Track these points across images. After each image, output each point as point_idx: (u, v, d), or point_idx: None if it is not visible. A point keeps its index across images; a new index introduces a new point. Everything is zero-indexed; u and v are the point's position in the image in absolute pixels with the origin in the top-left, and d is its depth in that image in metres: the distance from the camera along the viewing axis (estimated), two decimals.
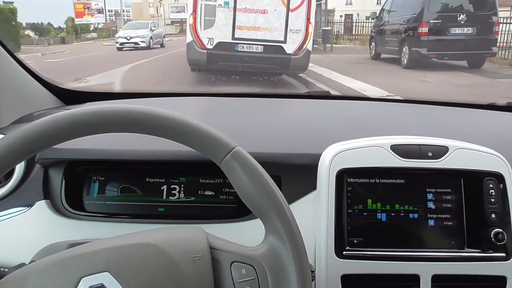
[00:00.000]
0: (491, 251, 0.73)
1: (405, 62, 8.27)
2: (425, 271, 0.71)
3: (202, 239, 0.52)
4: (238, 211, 0.82)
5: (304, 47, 6.58)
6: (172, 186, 0.84)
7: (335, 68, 7.92)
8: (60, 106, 1.17)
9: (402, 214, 0.74)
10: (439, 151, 0.74)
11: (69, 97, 1.18)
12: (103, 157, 0.81)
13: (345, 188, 0.73)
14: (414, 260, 0.71)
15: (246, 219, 0.80)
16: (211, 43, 6.53)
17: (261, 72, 6.81)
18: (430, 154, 0.74)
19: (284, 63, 6.67)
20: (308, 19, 6.55)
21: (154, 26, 13.97)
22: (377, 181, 0.74)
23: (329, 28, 13.25)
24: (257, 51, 6.65)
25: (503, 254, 0.72)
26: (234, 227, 0.79)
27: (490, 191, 0.74)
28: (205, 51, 6.53)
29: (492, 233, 0.72)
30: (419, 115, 1.15)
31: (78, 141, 0.57)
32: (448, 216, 0.75)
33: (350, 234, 0.73)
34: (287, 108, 1.22)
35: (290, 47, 6.57)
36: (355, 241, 0.73)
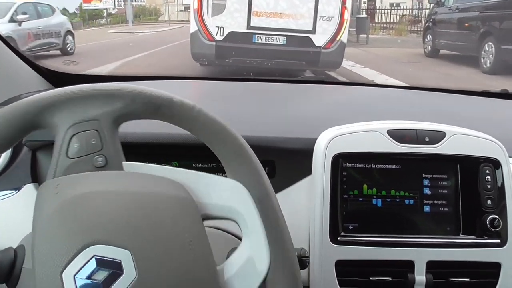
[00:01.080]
0: (486, 238, 0.72)
1: (488, 64, 5.91)
2: (420, 257, 0.70)
3: None
4: None
5: (337, 38, 5.19)
6: None
7: (385, 69, 6.05)
8: (48, 88, 1.14)
9: (397, 200, 0.73)
10: (436, 136, 0.73)
11: (58, 79, 1.15)
12: None
13: (341, 173, 0.72)
14: (409, 246, 0.71)
15: None
16: (221, 33, 5.17)
17: (281, 70, 5.33)
18: (427, 139, 0.73)
19: (312, 59, 5.28)
20: (343, 3, 5.12)
21: (25, 14, 7.20)
22: (373, 166, 0.73)
23: (364, 16, 10.80)
24: (278, 43, 5.26)
25: (498, 241, 0.72)
26: None
27: (487, 177, 0.73)
28: (213, 43, 5.18)
29: (487, 220, 0.71)
30: (416, 100, 1.14)
31: None
32: (444, 202, 0.74)
33: (345, 219, 0.72)
34: (281, 93, 1.20)
35: (319, 39, 5.18)
36: (350, 227, 0.72)
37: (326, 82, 1.41)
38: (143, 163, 0.52)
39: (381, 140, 0.72)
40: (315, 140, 0.76)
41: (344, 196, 0.72)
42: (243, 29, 5.24)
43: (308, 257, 0.61)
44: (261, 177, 0.50)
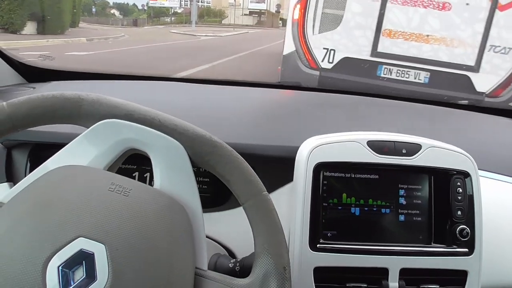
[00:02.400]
0: (455, 247, 0.76)
1: None
2: (394, 264, 0.73)
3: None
4: (212, 200, 0.81)
5: None
6: (144, 174, 0.82)
7: None
8: (22, 83, 1.11)
9: (375, 209, 0.75)
10: (413, 149, 0.76)
11: (33, 74, 1.11)
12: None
13: (322, 181, 0.74)
14: (384, 254, 0.73)
15: (220, 209, 0.79)
16: (330, 59, 3.55)
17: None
18: (404, 151, 0.76)
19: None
20: None
21: None
22: (353, 175, 0.75)
23: None
24: (415, 80, 3.51)
25: (466, 250, 0.76)
26: (208, 217, 0.78)
27: (458, 188, 0.77)
28: (317, 72, 3.60)
29: (457, 229, 0.75)
30: (398, 111, 1.18)
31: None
32: (418, 212, 0.77)
33: (324, 227, 0.73)
34: (262, 98, 1.21)
35: (484, 80, 3.38)
36: (328, 234, 0.74)
37: (303, 88, 1.43)
38: None
39: (361, 150, 0.75)
40: (296, 148, 0.78)
41: (324, 204, 0.74)
42: (365, 55, 3.54)
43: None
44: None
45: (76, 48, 9.14)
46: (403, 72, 3.51)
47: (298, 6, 3.52)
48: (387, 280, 0.73)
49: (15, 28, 10.65)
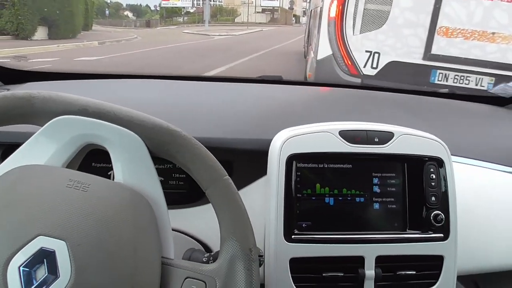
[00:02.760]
0: (430, 232, 0.77)
1: None
2: (370, 252, 0.74)
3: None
4: (188, 196, 0.81)
5: None
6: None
7: None
8: None
9: (349, 198, 0.76)
10: (385, 137, 0.77)
11: (9, 76, 1.10)
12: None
13: (295, 173, 0.74)
14: (359, 242, 0.74)
15: (196, 204, 0.79)
16: (374, 64, 3.00)
17: None
18: (376, 139, 0.76)
19: None
20: None
21: None
22: (326, 166, 0.76)
23: None
24: (478, 87, 2.98)
25: (441, 235, 0.77)
26: (183, 213, 0.78)
27: (431, 175, 0.77)
28: (358, 79, 3.13)
29: (431, 215, 0.76)
30: (370, 101, 1.18)
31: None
32: (392, 199, 0.78)
33: (298, 218, 0.74)
34: (239, 93, 1.21)
35: None
36: (303, 225, 0.74)
37: (284, 82, 1.43)
38: None
39: (333, 140, 0.75)
40: (270, 141, 0.78)
41: (298, 195, 0.74)
42: (416, 58, 2.98)
43: (262, 256, 0.63)
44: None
45: (87, 53, 8.79)
46: (462, 77, 2.93)
47: (335, 2, 2.96)
48: (363, 268, 0.73)
49: (26, 34, 10.45)
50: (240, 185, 0.80)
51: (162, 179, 0.82)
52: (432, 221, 0.76)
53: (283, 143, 0.73)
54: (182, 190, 0.82)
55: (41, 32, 10.28)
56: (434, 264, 0.77)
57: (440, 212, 0.76)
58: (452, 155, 0.80)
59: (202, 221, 0.75)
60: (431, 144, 0.79)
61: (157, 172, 0.81)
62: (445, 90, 1.51)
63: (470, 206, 0.84)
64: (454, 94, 1.36)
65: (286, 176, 0.73)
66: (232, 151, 0.81)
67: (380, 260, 0.74)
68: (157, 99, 1.05)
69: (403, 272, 0.75)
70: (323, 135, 0.75)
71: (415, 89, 1.32)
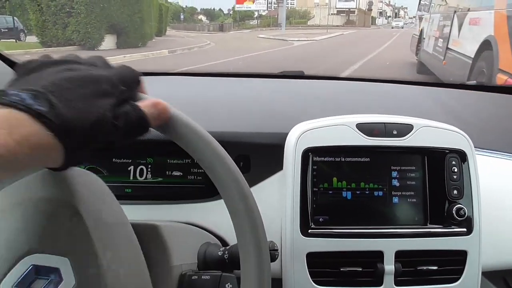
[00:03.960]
0: (452, 227, 0.74)
1: None
2: (389, 247, 0.72)
3: None
4: (206, 191, 0.81)
5: None
6: (139, 167, 0.83)
7: None
8: None
9: (367, 192, 0.75)
10: (404, 129, 0.75)
11: None
12: None
13: (311, 166, 0.73)
14: (378, 237, 0.72)
15: (213, 199, 0.79)
16: None
17: None
18: (395, 132, 0.74)
19: None
20: None
21: None
22: (343, 159, 0.75)
23: None
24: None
25: (464, 229, 0.74)
26: (201, 207, 0.79)
27: (453, 168, 0.75)
28: None
29: (454, 209, 0.73)
30: (389, 93, 1.16)
31: None
32: (412, 193, 0.76)
33: (315, 212, 0.73)
34: (259, 88, 1.21)
35: None
36: (320, 219, 0.73)
37: (305, 77, 1.42)
38: None
39: (350, 133, 0.74)
40: (287, 134, 0.78)
41: (314, 189, 0.73)
42: None
43: (277, 250, 0.62)
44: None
45: (157, 63, 8.56)
46: None
47: None
48: (383, 263, 0.72)
49: (93, 43, 9.81)
50: (257, 179, 0.80)
51: (181, 173, 0.83)
52: (455, 215, 0.73)
53: (299, 137, 0.73)
54: (200, 185, 0.83)
55: (109, 41, 9.65)
56: (457, 259, 0.75)
57: (462, 206, 0.74)
58: (476, 147, 0.78)
59: (218, 215, 0.76)
60: (452, 136, 0.76)
61: (176, 166, 0.83)
62: (473, 82, 1.46)
63: (495, 200, 0.81)
64: (481, 86, 1.32)
65: (302, 170, 0.72)
66: (249, 145, 0.82)
67: (400, 255, 0.73)
68: (175, 94, 1.06)
69: (424, 267, 0.74)
70: (340, 128, 0.74)
71: (439, 81, 1.28)
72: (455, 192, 0.75)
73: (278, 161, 0.78)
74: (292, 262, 0.71)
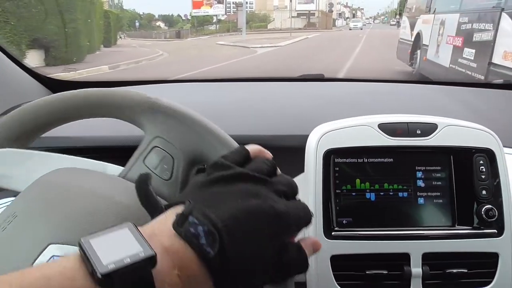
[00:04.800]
0: (482, 228, 0.72)
1: None
2: (415, 249, 0.71)
3: None
4: None
5: None
6: None
7: None
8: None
9: (391, 193, 0.73)
10: (428, 129, 0.73)
11: (59, 87, 1.17)
12: (57, 145, 0.80)
13: (333, 168, 0.72)
14: (404, 238, 0.71)
15: None
16: None
17: None
18: (418, 131, 0.73)
19: None
20: None
21: None
22: (365, 160, 0.73)
23: None
24: None
25: (495, 231, 0.72)
26: None
27: (481, 167, 0.73)
28: None
29: (483, 210, 0.71)
30: (411, 94, 1.14)
31: None
32: (438, 194, 0.74)
33: (338, 214, 0.72)
34: (279, 92, 1.21)
35: None
36: (344, 222, 0.72)
37: (325, 79, 1.41)
38: None
39: (372, 134, 0.73)
40: (307, 136, 0.77)
41: (337, 191, 0.72)
42: None
43: None
44: None
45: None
46: None
47: None
48: (409, 265, 0.70)
49: None
50: None
51: None
52: (484, 216, 0.71)
53: (320, 138, 0.72)
54: None
55: (34, 58, 7.75)
56: (488, 262, 0.72)
57: (492, 207, 0.71)
58: (505, 146, 0.75)
59: None
60: (479, 135, 0.74)
61: None
62: (500, 81, 1.42)
63: None
64: (507, 85, 1.28)
65: (324, 172, 0.71)
66: (270, 148, 0.81)
67: (427, 258, 0.71)
68: (200, 99, 1.07)
69: (453, 270, 0.71)
70: (361, 129, 0.73)
71: (464, 81, 1.26)
72: (484, 192, 0.73)
73: (299, 164, 0.78)
74: (316, 265, 0.70)
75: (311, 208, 0.71)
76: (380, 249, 0.70)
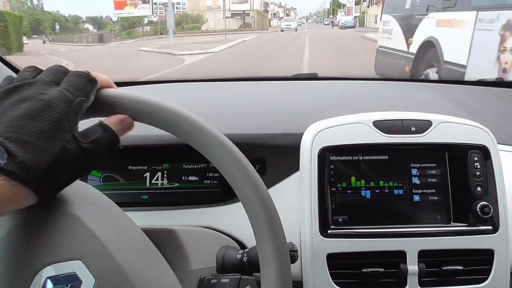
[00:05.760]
0: (477, 225, 0.72)
1: None
2: (411, 246, 0.70)
3: None
4: (222, 195, 0.81)
5: None
6: (155, 173, 0.83)
7: None
8: None
9: (386, 191, 0.73)
10: (422, 126, 0.73)
11: None
12: None
13: (328, 166, 0.72)
14: (400, 236, 0.71)
15: (230, 202, 0.79)
16: None
17: None
18: (413, 128, 0.73)
19: None
20: None
21: None
22: (360, 158, 0.73)
23: None
24: None
25: (490, 227, 0.72)
26: (218, 211, 0.78)
27: (475, 164, 0.73)
28: None
29: (478, 207, 0.71)
30: (404, 92, 1.14)
31: None
32: (433, 191, 0.74)
33: (334, 212, 0.72)
34: (272, 91, 1.20)
35: None
36: (339, 220, 0.72)
37: (319, 78, 1.41)
38: None
39: (367, 131, 0.72)
40: (302, 135, 0.77)
41: (333, 189, 0.72)
42: None
43: (296, 251, 0.61)
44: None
45: None
46: None
47: None
48: (406, 263, 0.70)
49: None
50: (274, 181, 0.79)
51: (197, 178, 0.83)
52: (479, 213, 0.71)
53: (315, 136, 0.72)
54: (217, 189, 0.82)
55: None
56: (484, 258, 0.72)
57: (487, 203, 0.71)
58: (499, 143, 0.75)
59: (236, 218, 0.75)
60: (474, 131, 0.74)
61: (192, 171, 0.83)
62: (492, 78, 1.43)
63: None
64: (501, 82, 1.29)
65: (319, 170, 0.71)
66: (264, 147, 0.81)
67: (424, 255, 0.70)
68: (193, 99, 1.07)
69: (449, 267, 0.71)
70: (356, 126, 0.73)
71: (455, 79, 1.26)
72: (479, 189, 0.73)
73: (294, 162, 0.78)
74: (313, 263, 0.69)
75: (307, 206, 0.71)
76: (376, 247, 0.70)
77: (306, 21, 69.65)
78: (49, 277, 0.40)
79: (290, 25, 29.36)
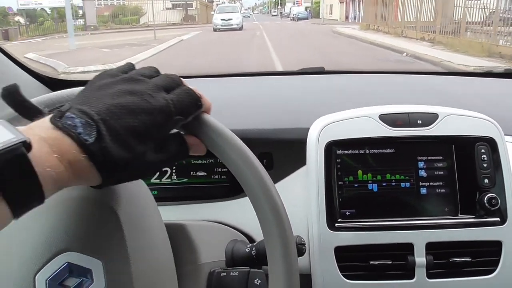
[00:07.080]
0: (485, 216, 0.72)
1: None
2: (419, 239, 0.71)
3: None
4: (231, 189, 0.82)
5: None
6: (164, 169, 0.84)
7: None
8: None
9: (393, 184, 0.73)
10: (429, 118, 0.73)
11: (58, 86, 1.17)
12: None
13: (334, 160, 0.72)
14: (407, 228, 0.71)
15: (239, 197, 0.80)
16: None
17: None
18: (419, 121, 0.73)
19: None
20: None
21: None
22: (367, 151, 0.73)
23: None
24: None
25: (498, 219, 0.72)
26: (227, 205, 0.79)
27: (482, 156, 0.73)
28: None
29: (485, 198, 0.71)
30: (411, 85, 1.14)
31: None
32: (441, 183, 0.74)
33: (341, 206, 0.72)
34: (279, 86, 1.20)
35: None
36: (347, 213, 0.72)
37: (325, 72, 1.41)
38: None
39: (373, 125, 0.73)
40: (308, 129, 0.77)
41: (340, 182, 0.73)
42: None
43: (304, 244, 0.62)
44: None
45: None
46: None
47: None
48: (413, 255, 0.71)
49: None
50: (281, 175, 0.80)
51: (205, 173, 0.84)
52: (487, 204, 0.71)
53: (321, 130, 0.72)
54: (224, 184, 0.83)
55: None
56: (492, 250, 0.72)
57: (494, 195, 0.71)
58: (506, 134, 0.75)
59: (244, 212, 0.76)
60: (480, 123, 0.74)
61: (200, 167, 0.84)
62: (501, 70, 1.42)
63: None
64: (507, 73, 1.28)
65: (326, 164, 0.71)
66: (271, 142, 0.81)
67: (431, 247, 0.71)
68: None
69: (457, 259, 0.72)
70: (362, 120, 0.73)
71: (461, 71, 1.25)
72: (486, 181, 0.73)
73: (301, 157, 0.78)
74: (320, 256, 0.70)
75: (314, 200, 0.71)
76: (383, 239, 0.71)
77: (252, 11, 68.02)
78: (70, 262, 0.41)
79: (229, 20, 19.05)
